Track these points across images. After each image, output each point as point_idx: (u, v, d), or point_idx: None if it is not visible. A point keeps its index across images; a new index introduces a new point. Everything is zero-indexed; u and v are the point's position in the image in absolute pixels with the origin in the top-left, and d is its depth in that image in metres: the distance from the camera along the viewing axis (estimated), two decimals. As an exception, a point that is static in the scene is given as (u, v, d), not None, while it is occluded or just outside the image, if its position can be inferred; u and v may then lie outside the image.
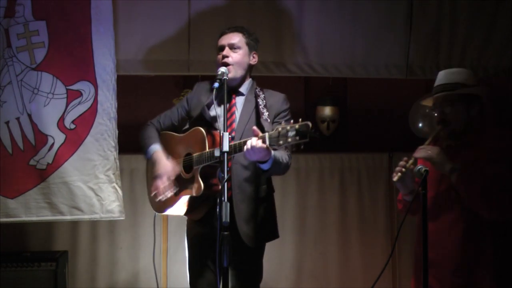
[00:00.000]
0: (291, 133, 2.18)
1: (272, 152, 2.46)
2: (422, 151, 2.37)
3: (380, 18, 3.68)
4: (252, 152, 2.32)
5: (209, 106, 2.74)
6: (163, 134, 2.83)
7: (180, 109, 2.86)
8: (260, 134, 2.33)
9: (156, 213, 2.92)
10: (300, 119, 2.21)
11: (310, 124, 2.16)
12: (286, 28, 3.59)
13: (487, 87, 2.52)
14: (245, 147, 2.34)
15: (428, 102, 2.57)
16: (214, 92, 2.50)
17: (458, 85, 2.40)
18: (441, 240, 2.35)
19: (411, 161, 2.38)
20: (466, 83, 2.41)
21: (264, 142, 2.30)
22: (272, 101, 2.69)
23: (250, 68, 2.77)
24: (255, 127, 2.36)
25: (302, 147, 2.20)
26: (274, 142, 2.26)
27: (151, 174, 2.87)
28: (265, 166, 2.52)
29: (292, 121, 2.22)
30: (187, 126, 2.87)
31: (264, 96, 2.68)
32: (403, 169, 2.38)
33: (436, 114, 2.49)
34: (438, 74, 2.49)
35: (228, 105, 2.68)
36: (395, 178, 2.40)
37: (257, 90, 2.73)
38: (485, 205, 2.25)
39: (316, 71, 3.69)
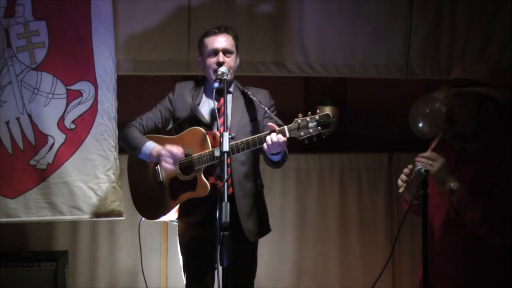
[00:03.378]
0: (311, 124, 2.33)
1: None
2: (425, 161, 2.17)
3: (380, 18, 3.68)
4: (272, 146, 2.40)
5: (198, 106, 2.75)
6: (150, 137, 2.78)
7: (163, 110, 2.82)
8: (277, 128, 2.40)
9: (142, 219, 2.91)
10: (318, 111, 2.38)
11: (330, 114, 2.32)
12: (286, 28, 3.59)
13: (508, 89, 2.24)
14: (265, 144, 2.41)
15: (440, 95, 2.34)
16: (214, 92, 2.53)
17: (472, 82, 2.17)
18: (444, 259, 2.26)
19: (413, 176, 2.22)
20: (482, 81, 2.17)
21: (284, 135, 2.39)
22: (259, 98, 2.74)
23: (236, 69, 2.82)
24: (270, 123, 2.44)
25: (323, 136, 2.34)
26: (295, 134, 2.38)
27: (136, 179, 2.85)
28: (276, 158, 2.58)
29: (310, 112, 2.35)
30: (170, 126, 2.86)
31: (251, 93, 2.71)
32: (408, 179, 2.22)
33: (444, 111, 2.28)
34: (454, 66, 2.31)
35: (218, 103, 2.70)
36: (400, 190, 2.26)
37: (241, 87, 2.77)
38: (486, 230, 2.08)
39: (316, 71, 3.69)
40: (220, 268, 2.18)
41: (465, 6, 3.73)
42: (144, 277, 3.27)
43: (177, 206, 2.69)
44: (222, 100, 2.67)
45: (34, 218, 3.20)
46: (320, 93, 4.40)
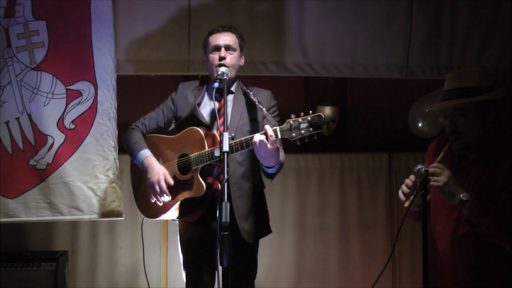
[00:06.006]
0: (303, 125, 2.27)
1: (281, 155, 2.49)
2: (430, 178, 2.13)
3: (380, 18, 3.68)
4: (260, 148, 2.36)
5: (199, 106, 2.75)
6: (150, 137, 2.82)
7: (166, 110, 2.85)
8: (271, 129, 2.36)
9: (145, 218, 2.93)
10: (310, 111, 2.30)
11: (322, 115, 2.27)
12: (286, 28, 3.59)
13: (505, 87, 2.22)
14: (255, 138, 2.37)
15: (438, 108, 2.28)
16: (214, 92, 2.53)
17: (471, 90, 2.15)
18: (449, 265, 2.24)
19: (416, 192, 2.17)
20: (480, 87, 2.15)
21: (276, 136, 2.34)
22: (261, 98, 2.74)
23: (239, 69, 2.81)
24: (266, 125, 2.39)
25: (315, 138, 2.29)
26: (286, 135, 2.33)
27: (138, 179, 2.87)
28: (271, 171, 2.56)
29: (302, 113, 2.30)
30: (172, 127, 2.87)
31: (252, 93, 2.72)
32: (413, 193, 2.19)
33: (446, 124, 2.24)
34: (446, 76, 2.28)
35: (218, 104, 2.70)
36: (406, 204, 2.22)
37: (244, 88, 2.77)
38: (503, 237, 2.05)
39: (316, 71, 3.69)
40: (220, 268, 2.18)
41: (465, 6, 3.73)
42: (147, 276, 3.26)
43: (176, 205, 2.69)
44: (222, 100, 2.68)
45: (34, 218, 3.20)
46: (320, 93, 4.40)
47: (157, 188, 2.64)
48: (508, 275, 2.14)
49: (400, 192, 2.29)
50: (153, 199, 2.68)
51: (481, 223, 2.09)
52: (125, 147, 2.87)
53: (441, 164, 2.17)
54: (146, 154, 2.73)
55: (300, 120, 2.29)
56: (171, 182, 2.64)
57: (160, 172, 2.65)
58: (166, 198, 2.65)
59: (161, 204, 2.68)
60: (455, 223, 2.22)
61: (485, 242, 2.13)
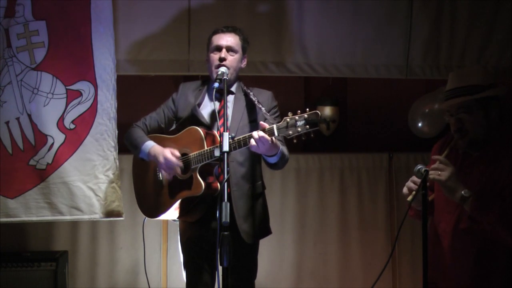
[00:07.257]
0: (300, 123, 2.28)
1: (285, 150, 2.51)
2: (433, 172, 2.15)
3: (380, 18, 3.68)
4: (261, 143, 2.37)
5: (199, 106, 2.76)
6: (150, 136, 2.81)
7: (166, 110, 2.85)
8: (267, 126, 2.36)
9: (146, 218, 2.93)
10: (307, 109, 2.30)
11: (319, 112, 2.27)
12: (286, 28, 3.59)
13: (506, 85, 2.26)
14: (252, 140, 2.38)
15: (438, 107, 2.33)
16: (214, 92, 2.54)
17: (474, 88, 2.18)
18: (452, 263, 2.26)
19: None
20: (483, 84, 2.19)
21: (272, 134, 2.36)
22: (262, 99, 2.74)
23: (239, 70, 2.81)
24: (262, 122, 2.42)
25: (312, 135, 2.29)
26: (283, 133, 2.34)
27: (140, 177, 2.87)
28: (273, 160, 2.57)
29: (299, 111, 2.31)
30: (173, 127, 2.88)
31: (253, 94, 2.72)
32: (417, 189, 2.19)
33: (451, 122, 2.26)
34: (449, 76, 2.30)
35: (219, 104, 2.70)
36: (409, 198, 2.23)
37: (245, 88, 2.77)
38: (504, 234, 2.06)
39: (316, 71, 3.69)
40: (220, 268, 2.18)
41: (465, 6, 3.73)
42: (147, 276, 3.27)
43: (176, 205, 2.70)
44: (223, 101, 2.69)
45: (34, 218, 3.20)
46: (320, 93, 4.40)
47: (164, 160, 2.64)
48: (510, 272, 2.15)
49: (405, 188, 2.30)
50: (167, 173, 2.68)
51: (483, 220, 2.10)
52: (127, 144, 2.86)
53: (446, 160, 2.19)
54: (151, 144, 2.73)
55: (296, 117, 2.30)
56: (178, 154, 2.65)
57: (165, 150, 2.67)
58: (178, 170, 2.65)
59: (169, 176, 2.67)
60: (458, 221, 2.23)
61: (487, 239, 2.15)
